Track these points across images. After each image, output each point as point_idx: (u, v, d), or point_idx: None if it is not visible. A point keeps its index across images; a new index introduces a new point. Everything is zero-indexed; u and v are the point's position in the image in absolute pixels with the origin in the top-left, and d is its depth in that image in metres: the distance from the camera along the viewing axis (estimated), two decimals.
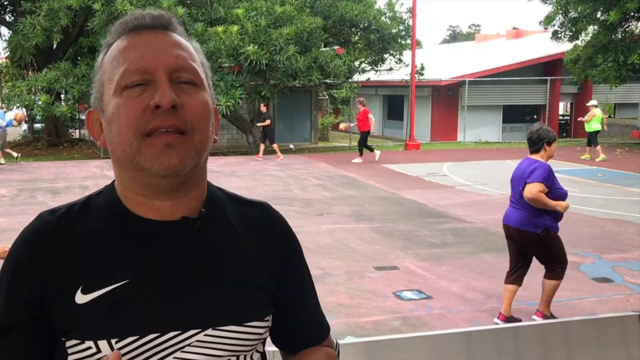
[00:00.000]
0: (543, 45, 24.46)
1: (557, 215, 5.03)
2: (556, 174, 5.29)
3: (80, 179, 13.22)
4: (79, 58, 19.31)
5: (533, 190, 4.82)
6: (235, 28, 16.58)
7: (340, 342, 1.24)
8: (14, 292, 0.98)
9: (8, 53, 20.97)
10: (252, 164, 16.20)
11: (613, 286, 6.15)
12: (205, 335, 0.99)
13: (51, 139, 21.11)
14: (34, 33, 16.74)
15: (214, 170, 14.08)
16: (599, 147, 16.38)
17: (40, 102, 16.70)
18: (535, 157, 5.05)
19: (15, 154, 16.04)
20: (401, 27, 20.30)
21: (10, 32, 20.49)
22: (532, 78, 24.08)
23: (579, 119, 18.28)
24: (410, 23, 20.55)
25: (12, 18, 21.56)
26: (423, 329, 4.98)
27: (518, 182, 5.00)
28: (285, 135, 22.60)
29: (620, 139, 23.78)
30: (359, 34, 20.76)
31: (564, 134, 25.87)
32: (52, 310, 0.97)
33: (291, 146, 16.28)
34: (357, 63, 20.59)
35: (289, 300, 1.12)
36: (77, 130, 23.99)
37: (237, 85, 16.71)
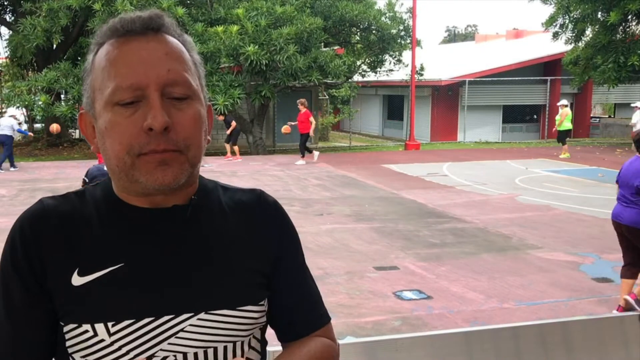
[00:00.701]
0: (543, 46, 24.47)
1: None
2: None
3: (80, 179, 13.20)
4: (79, 58, 19.33)
5: None
6: (235, 28, 16.58)
7: (340, 342, 1.23)
8: (17, 271, 1.00)
9: (8, 53, 20.96)
10: (252, 164, 16.21)
11: (613, 286, 6.15)
12: (199, 319, 1.00)
13: (51, 139, 21.10)
14: (34, 34, 16.75)
15: (214, 171, 14.09)
16: (566, 146, 17.35)
17: (40, 102, 16.70)
18: None
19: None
20: (401, 27, 20.31)
21: (11, 32, 20.49)
22: (532, 78, 24.09)
23: (556, 117, 18.85)
24: (410, 23, 20.56)
25: (12, 18, 21.57)
26: (423, 329, 4.98)
27: (631, 179, 5.10)
28: (285, 135, 22.58)
29: (620, 139, 23.77)
30: (358, 34, 20.77)
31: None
32: (51, 291, 0.99)
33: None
34: (357, 63, 20.59)
35: (279, 284, 1.12)
36: (77, 131, 24.00)
37: (236, 85, 16.72)
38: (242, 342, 1.06)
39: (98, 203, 1.05)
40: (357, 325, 5.09)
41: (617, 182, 5.35)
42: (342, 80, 19.64)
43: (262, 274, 1.09)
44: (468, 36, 67.18)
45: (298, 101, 16.51)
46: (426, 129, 24.26)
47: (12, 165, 14.96)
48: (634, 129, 16.18)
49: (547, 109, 24.44)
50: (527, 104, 25.06)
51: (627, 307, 5.17)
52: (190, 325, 1.00)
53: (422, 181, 13.20)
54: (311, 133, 16.65)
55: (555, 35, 21.09)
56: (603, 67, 18.71)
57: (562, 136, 17.57)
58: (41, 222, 1.01)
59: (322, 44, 18.65)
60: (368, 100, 29.22)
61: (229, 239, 1.08)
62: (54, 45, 19.68)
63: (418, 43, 21.06)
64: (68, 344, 0.99)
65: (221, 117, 16.44)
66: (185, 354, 1.00)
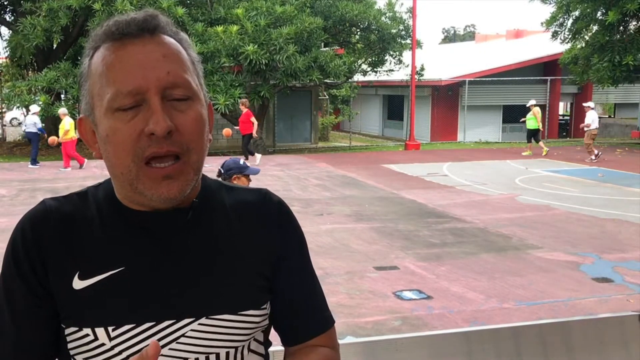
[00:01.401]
0: (543, 45, 24.46)
1: None
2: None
3: (80, 179, 13.22)
4: (79, 58, 19.28)
5: None
6: (235, 28, 16.58)
7: (340, 342, 1.23)
8: (19, 273, 0.99)
9: (8, 53, 20.96)
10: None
11: (613, 286, 6.15)
12: (200, 324, 0.99)
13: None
14: (34, 33, 16.75)
15: (214, 171, 14.07)
16: (530, 145, 18.19)
17: (40, 102, 16.70)
18: None
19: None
20: (401, 27, 20.31)
21: (10, 32, 20.49)
22: (532, 78, 24.08)
23: (522, 120, 19.45)
24: (410, 23, 20.56)
25: (12, 18, 21.56)
26: (423, 329, 4.98)
27: None
28: (286, 135, 22.62)
29: (620, 139, 23.78)
30: (359, 34, 20.77)
31: (564, 134, 25.88)
32: (53, 293, 0.99)
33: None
34: (357, 63, 20.58)
35: (281, 285, 1.09)
36: (77, 131, 24.00)
37: (237, 84, 16.71)
38: (243, 347, 1.04)
39: (100, 205, 1.04)
40: (357, 325, 5.09)
41: None
42: (342, 80, 19.64)
43: (264, 276, 1.07)
44: (467, 37, 67.03)
45: (240, 101, 16.11)
46: (426, 129, 24.25)
47: (34, 161, 15.41)
48: (586, 130, 16.57)
49: (547, 109, 24.42)
50: (527, 104, 25.04)
51: None
52: (192, 330, 0.99)
53: (422, 181, 13.20)
54: (254, 134, 16.09)
55: (555, 35, 21.10)
56: (598, 65, 18.73)
57: (534, 134, 18.15)
58: (43, 223, 1.01)
59: (322, 43, 18.65)
60: (368, 100, 29.21)
61: (232, 241, 1.06)
62: (54, 45, 19.68)
63: (418, 43, 21.06)
64: (69, 346, 0.99)
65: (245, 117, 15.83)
66: None
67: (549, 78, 24.31)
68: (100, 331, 0.96)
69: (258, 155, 16.08)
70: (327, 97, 26.42)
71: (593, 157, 16.32)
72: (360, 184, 12.82)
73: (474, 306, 5.59)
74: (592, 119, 16.63)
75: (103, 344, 0.97)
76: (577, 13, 19.87)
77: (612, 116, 31.28)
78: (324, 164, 15.99)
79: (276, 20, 17.11)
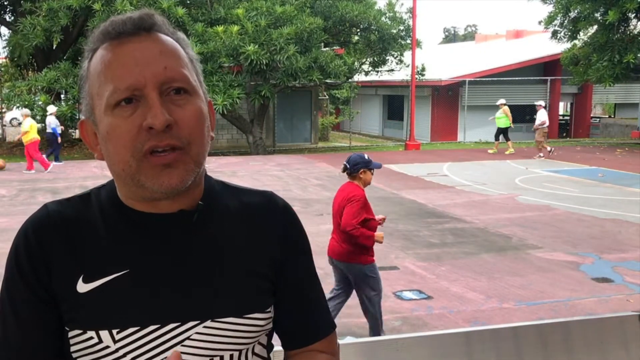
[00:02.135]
0: (543, 45, 24.46)
1: None
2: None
3: (80, 179, 13.22)
4: (79, 58, 19.29)
5: None
6: (235, 28, 16.57)
7: (340, 342, 1.23)
8: (22, 278, 0.99)
9: (8, 53, 20.97)
10: (252, 164, 16.20)
11: (613, 286, 6.16)
12: (205, 327, 0.99)
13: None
14: (34, 33, 16.74)
15: (214, 170, 14.09)
16: (496, 143, 18.69)
17: (40, 102, 16.69)
18: None
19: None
20: (401, 28, 20.30)
21: (10, 32, 20.50)
22: (532, 78, 24.08)
23: (490, 118, 19.73)
24: (410, 23, 20.56)
25: (12, 18, 21.57)
26: (423, 329, 4.98)
27: None
28: (286, 135, 22.62)
29: (620, 139, 23.78)
30: (359, 34, 20.76)
31: (564, 134, 25.88)
32: (57, 296, 0.98)
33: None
34: (358, 63, 20.58)
35: (282, 288, 1.09)
36: (77, 131, 24.00)
37: (236, 84, 16.71)
38: (247, 350, 1.04)
39: (103, 207, 1.04)
40: (357, 325, 5.09)
41: None
42: (342, 80, 19.63)
43: (268, 279, 1.07)
44: (468, 37, 67.04)
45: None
46: (426, 129, 24.25)
47: (57, 159, 15.88)
48: (540, 127, 16.96)
49: (547, 109, 24.42)
50: (527, 104, 25.04)
51: None
52: (196, 333, 0.99)
53: (422, 181, 13.20)
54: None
55: (554, 34, 21.09)
56: (598, 65, 18.73)
57: (504, 132, 18.48)
58: (45, 228, 1.00)
59: (322, 44, 18.65)
60: (368, 100, 29.21)
61: (236, 244, 1.06)
62: (54, 45, 19.67)
63: (418, 43, 21.06)
64: (72, 349, 0.99)
65: None
66: None
67: (549, 78, 24.32)
68: (104, 334, 0.96)
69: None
70: (327, 97, 26.42)
71: (542, 154, 16.92)
72: None
73: (474, 306, 5.59)
74: (545, 117, 17.25)
75: (107, 347, 0.96)
76: (575, 12, 19.86)
77: (612, 116, 31.27)
78: (324, 164, 15.99)
79: (276, 20, 17.10)
